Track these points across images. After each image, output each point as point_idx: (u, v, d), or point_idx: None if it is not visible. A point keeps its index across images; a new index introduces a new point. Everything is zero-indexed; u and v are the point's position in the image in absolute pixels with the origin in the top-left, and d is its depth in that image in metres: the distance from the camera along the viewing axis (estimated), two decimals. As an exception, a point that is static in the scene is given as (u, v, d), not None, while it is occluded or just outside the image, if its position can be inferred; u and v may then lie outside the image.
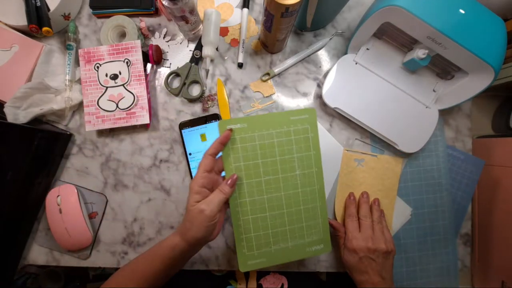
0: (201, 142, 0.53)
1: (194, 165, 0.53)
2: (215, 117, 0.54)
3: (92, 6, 0.56)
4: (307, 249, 0.44)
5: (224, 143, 0.40)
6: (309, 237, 0.44)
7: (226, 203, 0.41)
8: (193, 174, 0.51)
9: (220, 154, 0.41)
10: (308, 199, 0.44)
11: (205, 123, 0.54)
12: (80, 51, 0.53)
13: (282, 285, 0.54)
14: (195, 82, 0.56)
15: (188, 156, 0.53)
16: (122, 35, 0.56)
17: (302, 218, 0.44)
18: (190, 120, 0.54)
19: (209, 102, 0.56)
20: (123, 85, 0.53)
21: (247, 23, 0.57)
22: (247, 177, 0.42)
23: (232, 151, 0.42)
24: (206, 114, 0.55)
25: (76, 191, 0.52)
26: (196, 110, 0.56)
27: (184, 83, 0.55)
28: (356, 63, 0.54)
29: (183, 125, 0.54)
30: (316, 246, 0.45)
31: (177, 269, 0.43)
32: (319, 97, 0.56)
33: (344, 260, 0.48)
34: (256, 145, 0.42)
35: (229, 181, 0.39)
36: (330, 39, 0.57)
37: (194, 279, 0.56)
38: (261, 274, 0.56)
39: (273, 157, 0.43)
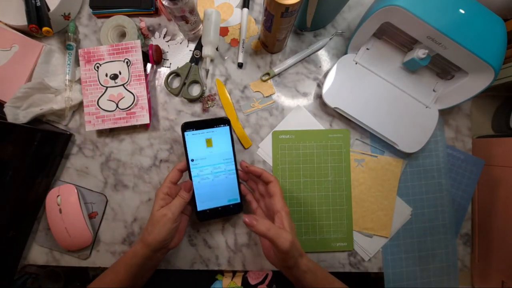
0: (206, 148, 0.47)
1: (196, 172, 0.47)
2: (225, 121, 0.48)
3: (92, 6, 0.56)
4: (332, 244, 0.53)
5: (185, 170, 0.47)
6: (335, 234, 0.53)
7: (186, 214, 0.48)
8: (194, 182, 0.46)
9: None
10: (336, 202, 0.54)
11: (213, 127, 0.47)
12: (80, 51, 0.53)
13: (266, 275, 0.55)
14: (195, 82, 0.56)
15: (190, 162, 0.46)
16: (122, 35, 0.56)
17: (330, 217, 0.53)
18: (196, 122, 0.47)
19: (209, 102, 0.56)
20: (123, 85, 0.53)
21: (247, 23, 0.57)
22: (290, 177, 0.54)
23: (280, 155, 0.54)
24: (216, 117, 0.51)
25: (76, 191, 0.52)
26: (196, 110, 0.56)
27: (184, 83, 0.55)
28: (356, 63, 0.54)
29: (187, 127, 0.46)
30: (340, 243, 0.53)
31: (144, 278, 0.46)
32: (319, 97, 0.56)
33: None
34: (299, 153, 0.54)
35: (187, 187, 0.45)
36: (330, 39, 0.57)
37: (182, 276, 0.56)
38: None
39: (312, 164, 0.54)
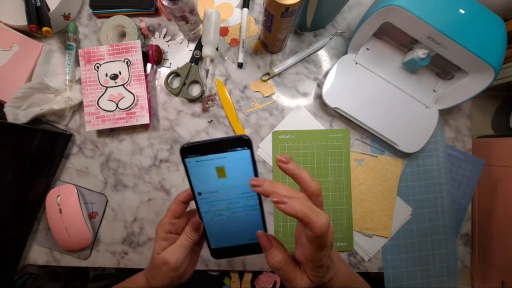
0: (217, 179, 0.33)
1: (206, 208, 0.35)
2: (244, 142, 0.31)
3: (92, 6, 0.56)
4: None
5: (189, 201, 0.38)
6: (335, 234, 0.52)
7: (198, 245, 0.39)
8: (206, 223, 0.35)
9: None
10: (336, 202, 0.54)
11: (225, 150, 0.32)
12: (80, 51, 0.53)
13: (275, 282, 0.55)
14: (195, 82, 0.56)
15: (197, 196, 0.34)
16: (122, 35, 0.56)
17: (330, 217, 0.51)
18: (199, 145, 0.32)
19: (209, 102, 0.56)
20: (123, 85, 0.53)
21: (247, 23, 0.57)
22: (290, 177, 0.48)
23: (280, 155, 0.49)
24: (227, 136, 0.36)
25: (76, 191, 0.52)
26: (196, 110, 0.56)
27: (184, 83, 0.55)
28: (356, 63, 0.54)
29: (188, 151, 0.32)
30: (340, 243, 0.53)
31: None
32: (319, 97, 0.56)
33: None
34: (299, 153, 0.54)
35: (194, 225, 0.36)
36: (330, 39, 0.57)
37: (190, 279, 0.56)
38: (255, 274, 0.57)
39: (312, 164, 0.54)
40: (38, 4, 0.50)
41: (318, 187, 0.29)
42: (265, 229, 0.36)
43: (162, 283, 0.36)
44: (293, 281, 0.29)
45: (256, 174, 0.33)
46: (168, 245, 0.36)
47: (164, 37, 0.58)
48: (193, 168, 0.33)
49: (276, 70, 0.56)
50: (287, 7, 0.40)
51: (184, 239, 0.36)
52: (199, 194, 0.34)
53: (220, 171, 0.33)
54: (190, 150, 0.32)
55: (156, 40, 0.58)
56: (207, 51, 0.53)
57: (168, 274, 0.35)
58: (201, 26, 0.56)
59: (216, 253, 0.38)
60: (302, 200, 0.27)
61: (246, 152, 0.32)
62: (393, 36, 0.51)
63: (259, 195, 0.34)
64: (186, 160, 0.33)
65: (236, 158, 0.33)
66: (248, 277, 0.56)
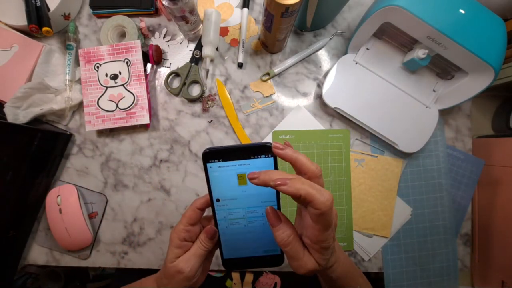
0: (237, 186, 0.33)
1: (223, 216, 0.34)
2: (266, 150, 0.31)
3: (92, 6, 0.56)
4: None
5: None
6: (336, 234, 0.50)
7: (210, 252, 0.37)
8: (221, 231, 0.35)
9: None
10: (336, 202, 0.54)
11: (249, 157, 0.32)
12: (80, 51, 0.53)
13: (276, 284, 0.55)
14: (195, 82, 0.56)
15: (215, 203, 0.34)
16: (122, 35, 0.56)
17: None
18: (223, 150, 0.32)
19: (209, 102, 0.56)
20: (123, 85, 0.53)
21: (247, 23, 0.57)
22: None
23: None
24: (253, 143, 0.37)
25: (76, 191, 0.52)
26: (196, 110, 0.56)
27: (184, 83, 0.55)
28: (356, 63, 0.54)
29: (211, 156, 0.32)
30: (340, 243, 0.52)
31: None
32: (319, 97, 0.56)
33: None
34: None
35: (210, 233, 0.35)
36: (330, 39, 0.57)
37: None
38: (256, 275, 0.57)
39: None
40: (38, 4, 0.50)
41: (318, 168, 0.28)
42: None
43: None
44: (301, 260, 0.29)
45: None
46: (182, 253, 0.35)
47: (164, 37, 0.58)
48: (214, 173, 0.33)
49: (276, 70, 0.56)
50: (287, 7, 0.40)
51: (198, 247, 0.35)
52: (218, 200, 0.34)
53: (241, 178, 0.33)
54: (213, 155, 0.32)
55: (156, 40, 0.58)
56: (207, 51, 0.53)
57: (181, 284, 0.34)
58: (201, 26, 0.56)
59: (228, 263, 0.37)
60: (302, 179, 0.27)
61: (270, 160, 0.32)
62: (393, 36, 0.51)
63: (278, 205, 0.34)
64: (208, 164, 0.32)
65: (259, 166, 0.32)
66: (249, 278, 0.56)
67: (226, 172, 0.33)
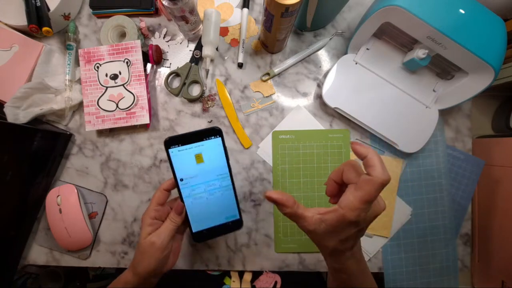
0: (196, 164, 0.40)
1: (187, 192, 0.41)
2: (216, 132, 0.40)
3: (92, 6, 0.56)
4: None
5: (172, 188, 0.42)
6: None
7: (180, 233, 0.44)
8: (187, 207, 0.41)
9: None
10: None
11: (202, 140, 0.40)
12: (80, 51, 0.53)
13: (276, 283, 0.55)
14: (195, 82, 0.56)
15: (179, 182, 0.40)
16: (122, 35, 0.56)
17: None
18: (181, 136, 0.40)
19: (209, 102, 0.56)
20: (123, 85, 0.53)
21: (247, 23, 0.57)
22: (290, 177, 0.54)
23: (280, 155, 0.54)
24: (204, 128, 0.41)
25: (76, 191, 0.52)
26: (196, 110, 0.56)
27: (184, 83, 0.55)
28: (356, 63, 0.54)
29: (171, 142, 0.39)
30: None
31: None
32: (319, 97, 0.56)
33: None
34: (299, 153, 0.54)
35: (178, 210, 0.40)
36: (330, 39, 0.57)
37: (190, 279, 0.56)
38: (255, 274, 0.57)
39: (312, 164, 0.54)
40: (38, 4, 0.50)
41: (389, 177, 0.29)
42: (238, 207, 0.44)
43: (148, 267, 0.38)
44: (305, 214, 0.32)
45: (227, 157, 0.41)
46: (153, 230, 0.39)
47: (164, 37, 0.58)
48: (175, 157, 0.40)
49: (276, 70, 0.56)
50: (287, 7, 0.40)
51: (168, 223, 0.40)
52: (181, 180, 0.41)
53: (198, 158, 0.41)
54: (173, 141, 0.40)
55: (156, 40, 0.58)
56: (207, 51, 0.53)
57: (154, 255, 0.38)
58: (201, 26, 0.56)
59: (198, 236, 0.43)
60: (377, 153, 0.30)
61: (218, 140, 0.41)
62: (393, 36, 0.51)
63: (231, 176, 0.42)
64: (170, 150, 0.40)
65: (210, 145, 0.40)
66: (248, 277, 0.56)
67: (185, 154, 0.40)
